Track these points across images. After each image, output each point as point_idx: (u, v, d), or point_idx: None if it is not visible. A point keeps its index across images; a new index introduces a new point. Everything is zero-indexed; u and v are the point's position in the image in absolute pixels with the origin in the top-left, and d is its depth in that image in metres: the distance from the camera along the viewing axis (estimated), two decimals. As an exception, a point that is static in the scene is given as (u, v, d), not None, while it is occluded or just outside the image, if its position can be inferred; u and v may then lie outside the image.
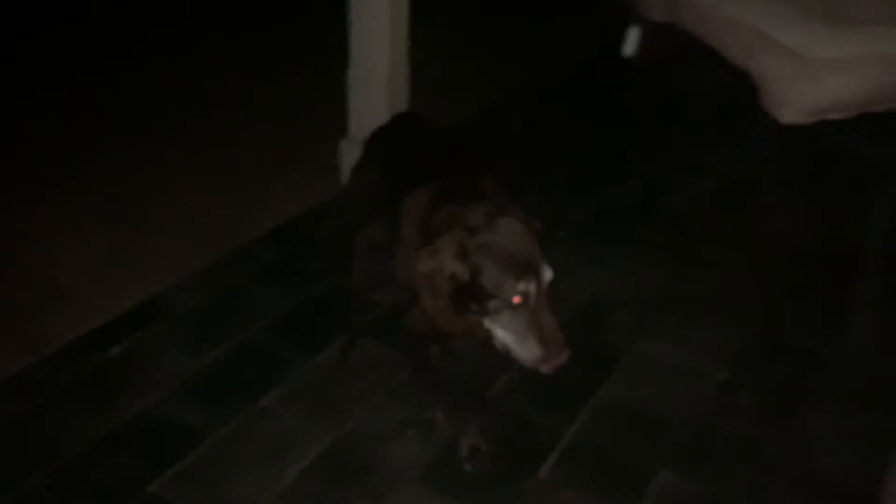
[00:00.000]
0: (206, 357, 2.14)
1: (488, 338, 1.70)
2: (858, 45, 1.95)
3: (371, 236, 1.91)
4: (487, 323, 1.49)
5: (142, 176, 2.98)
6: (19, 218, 2.70)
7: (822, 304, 2.46)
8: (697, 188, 3.02)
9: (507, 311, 1.44)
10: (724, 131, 3.24)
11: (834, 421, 2.05)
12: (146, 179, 2.95)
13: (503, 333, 1.48)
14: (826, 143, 2.70)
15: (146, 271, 2.45)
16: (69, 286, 2.39)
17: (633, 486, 1.85)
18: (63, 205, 2.79)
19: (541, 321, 1.45)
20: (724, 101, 3.31)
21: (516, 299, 1.43)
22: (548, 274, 1.45)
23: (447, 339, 1.94)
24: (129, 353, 2.15)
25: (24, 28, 4.13)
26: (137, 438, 1.92)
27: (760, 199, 2.98)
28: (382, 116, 2.43)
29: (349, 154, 2.63)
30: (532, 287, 1.43)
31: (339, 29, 2.68)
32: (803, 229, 2.80)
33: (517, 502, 1.81)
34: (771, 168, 3.17)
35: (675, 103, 3.10)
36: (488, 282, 1.43)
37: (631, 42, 3.92)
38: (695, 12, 2.23)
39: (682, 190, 3.00)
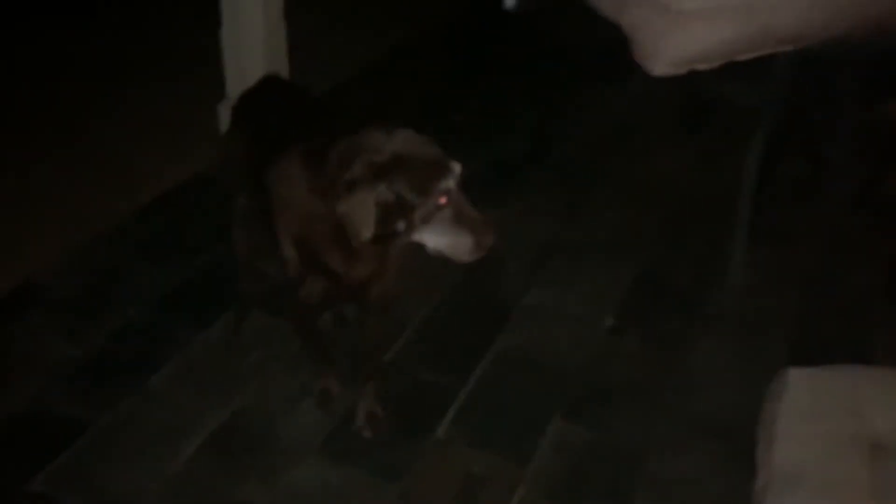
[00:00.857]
0: (87, 342, 2.05)
1: (389, 281, 1.68)
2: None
3: (246, 205, 1.85)
4: (416, 235, 1.47)
5: (5, 156, 2.77)
6: None
7: (700, 245, 2.55)
8: (579, 136, 3.07)
9: (436, 215, 1.43)
10: (603, 79, 3.29)
11: (715, 359, 2.14)
12: (10, 159, 2.74)
13: (435, 238, 1.47)
14: (699, 90, 2.78)
15: (16, 257, 2.30)
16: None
17: (527, 436, 1.90)
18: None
19: (465, 212, 1.45)
20: (601, 48, 3.35)
21: (442, 199, 1.42)
22: (457, 167, 1.44)
23: (344, 300, 1.91)
24: (2, 344, 2.04)
25: None
26: (17, 434, 1.83)
27: (640, 145, 3.05)
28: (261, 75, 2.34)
29: (228, 118, 2.53)
30: (452, 183, 1.43)
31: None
32: (682, 173, 2.89)
33: (416, 464, 1.83)
34: (650, 115, 3.24)
35: (554, 53, 3.11)
36: (413, 192, 1.41)
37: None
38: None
39: (564, 139, 3.04)
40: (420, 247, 2.46)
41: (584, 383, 2.05)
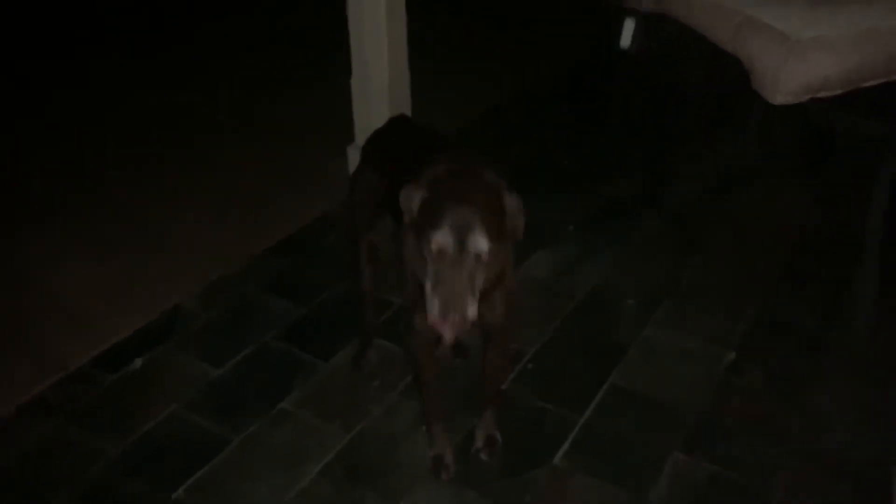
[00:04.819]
0: (224, 366, 2.20)
1: (504, 311, 1.67)
2: (844, 23, 1.98)
3: (373, 239, 1.95)
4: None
5: (151, 197, 3.04)
6: (34, 244, 2.77)
7: (824, 285, 2.48)
8: (696, 177, 3.05)
9: (428, 257, 1.40)
10: (721, 119, 3.27)
11: (841, 398, 2.07)
12: (155, 201, 3.01)
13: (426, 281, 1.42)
14: (821, 123, 2.73)
15: (160, 289, 2.50)
16: (86, 308, 2.44)
17: (646, 469, 1.88)
18: (76, 229, 2.85)
19: (450, 283, 1.36)
20: (719, 88, 3.34)
21: (434, 245, 1.37)
22: (480, 244, 1.37)
23: None
24: (148, 367, 2.21)
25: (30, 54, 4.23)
26: (161, 448, 1.97)
27: (760, 185, 3.00)
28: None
29: (356, 161, 2.68)
30: (449, 244, 1.37)
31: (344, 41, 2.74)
32: (803, 212, 2.83)
33: (533, 490, 1.84)
34: (769, 153, 3.20)
35: (670, 94, 3.13)
36: (426, 217, 1.40)
37: (626, 34, 3.96)
38: (682, 1, 2.27)
39: (681, 180, 3.04)
40: (535, 281, 2.52)
41: (705, 418, 2.02)
